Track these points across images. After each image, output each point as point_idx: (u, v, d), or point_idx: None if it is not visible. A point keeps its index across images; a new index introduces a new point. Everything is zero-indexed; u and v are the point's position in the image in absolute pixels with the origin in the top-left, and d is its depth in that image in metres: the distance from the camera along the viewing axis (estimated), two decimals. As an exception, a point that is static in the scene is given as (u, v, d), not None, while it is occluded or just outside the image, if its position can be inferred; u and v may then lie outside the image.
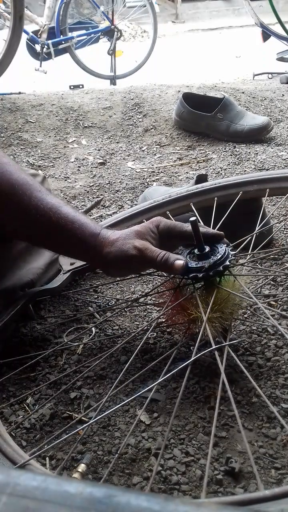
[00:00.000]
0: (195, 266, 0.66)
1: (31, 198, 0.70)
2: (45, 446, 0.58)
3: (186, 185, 1.12)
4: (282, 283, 0.88)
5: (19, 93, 2.39)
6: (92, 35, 3.46)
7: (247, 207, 0.95)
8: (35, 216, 0.70)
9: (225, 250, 0.67)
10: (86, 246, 0.70)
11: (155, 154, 1.71)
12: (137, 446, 0.58)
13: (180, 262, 0.64)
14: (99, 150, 1.78)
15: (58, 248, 0.77)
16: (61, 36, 3.37)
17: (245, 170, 1.48)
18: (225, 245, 0.69)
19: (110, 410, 0.60)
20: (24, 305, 0.78)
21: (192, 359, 0.57)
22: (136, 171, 1.56)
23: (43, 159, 1.71)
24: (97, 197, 1.38)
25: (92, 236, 0.70)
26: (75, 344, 0.77)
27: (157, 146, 1.79)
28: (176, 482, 0.54)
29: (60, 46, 3.37)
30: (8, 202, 0.70)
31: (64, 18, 3.36)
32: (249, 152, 1.61)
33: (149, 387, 0.58)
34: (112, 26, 3.47)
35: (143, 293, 0.89)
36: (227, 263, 0.66)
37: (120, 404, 0.59)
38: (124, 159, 1.69)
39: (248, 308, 0.78)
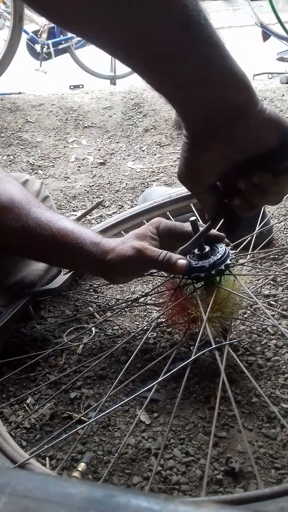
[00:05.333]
0: (195, 265, 0.66)
1: (29, 213, 0.71)
2: (45, 445, 0.58)
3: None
4: (282, 283, 0.88)
5: (19, 93, 2.39)
6: (92, 35, 3.46)
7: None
8: (35, 229, 0.70)
9: (225, 249, 0.67)
10: (87, 255, 0.69)
11: (155, 154, 1.71)
12: (137, 446, 0.58)
13: (183, 262, 0.64)
14: (99, 150, 1.78)
15: (60, 260, 0.76)
16: (61, 36, 3.38)
17: (245, 170, 1.48)
18: (225, 245, 0.69)
19: (110, 410, 0.60)
20: (24, 305, 0.78)
21: (191, 358, 0.57)
22: (136, 171, 1.56)
23: (43, 159, 1.71)
24: (97, 198, 1.38)
25: (94, 245, 0.70)
26: (75, 344, 0.77)
27: (157, 146, 1.78)
28: (176, 482, 0.54)
29: (60, 46, 3.38)
30: (7, 217, 0.71)
31: (64, 18, 3.36)
32: (249, 152, 1.61)
33: (148, 386, 0.58)
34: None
35: (143, 293, 0.89)
36: (228, 262, 0.66)
37: (120, 404, 0.59)
38: (124, 159, 1.69)
39: (248, 308, 0.78)
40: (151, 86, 0.49)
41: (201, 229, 0.67)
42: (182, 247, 0.67)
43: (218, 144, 0.52)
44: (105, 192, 1.42)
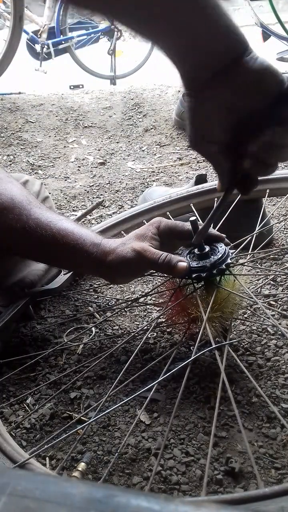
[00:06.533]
0: (196, 265, 0.66)
1: (30, 213, 0.71)
2: (45, 445, 0.58)
3: (186, 185, 1.12)
4: (282, 283, 0.88)
5: (19, 93, 2.39)
6: (92, 35, 3.46)
7: (247, 207, 0.95)
8: (35, 230, 0.70)
9: (225, 249, 0.67)
10: (88, 256, 0.69)
11: (155, 154, 1.71)
12: (137, 446, 0.58)
13: (183, 264, 0.64)
14: (99, 150, 1.78)
15: (60, 260, 0.76)
16: (61, 36, 3.38)
17: (245, 170, 1.48)
18: (224, 244, 0.69)
19: (110, 410, 0.60)
20: (24, 305, 0.78)
21: (191, 358, 0.57)
22: (136, 171, 1.56)
23: (43, 159, 1.71)
24: (97, 198, 1.38)
25: (94, 246, 0.70)
26: (75, 344, 0.77)
27: (157, 146, 1.78)
28: (176, 482, 0.54)
29: (60, 46, 3.38)
30: (7, 217, 0.71)
31: (64, 18, 3.37)
32: (249, 152, 1.61)
33: (148, 386, 0.58)
34: (112, 26, 3.47)
35: (143, 293, 0.89)
36: (229, 261, 0.66)
37: (120, 404, 0.59)
38: (124, 159, 1.69)
39: (248, 308, 0.78)
40: (157, 43, 0.52)
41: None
42: (200, 228, 0.65)
43: (221, 88, 0.53)
44: (105, 192, 1.42)
